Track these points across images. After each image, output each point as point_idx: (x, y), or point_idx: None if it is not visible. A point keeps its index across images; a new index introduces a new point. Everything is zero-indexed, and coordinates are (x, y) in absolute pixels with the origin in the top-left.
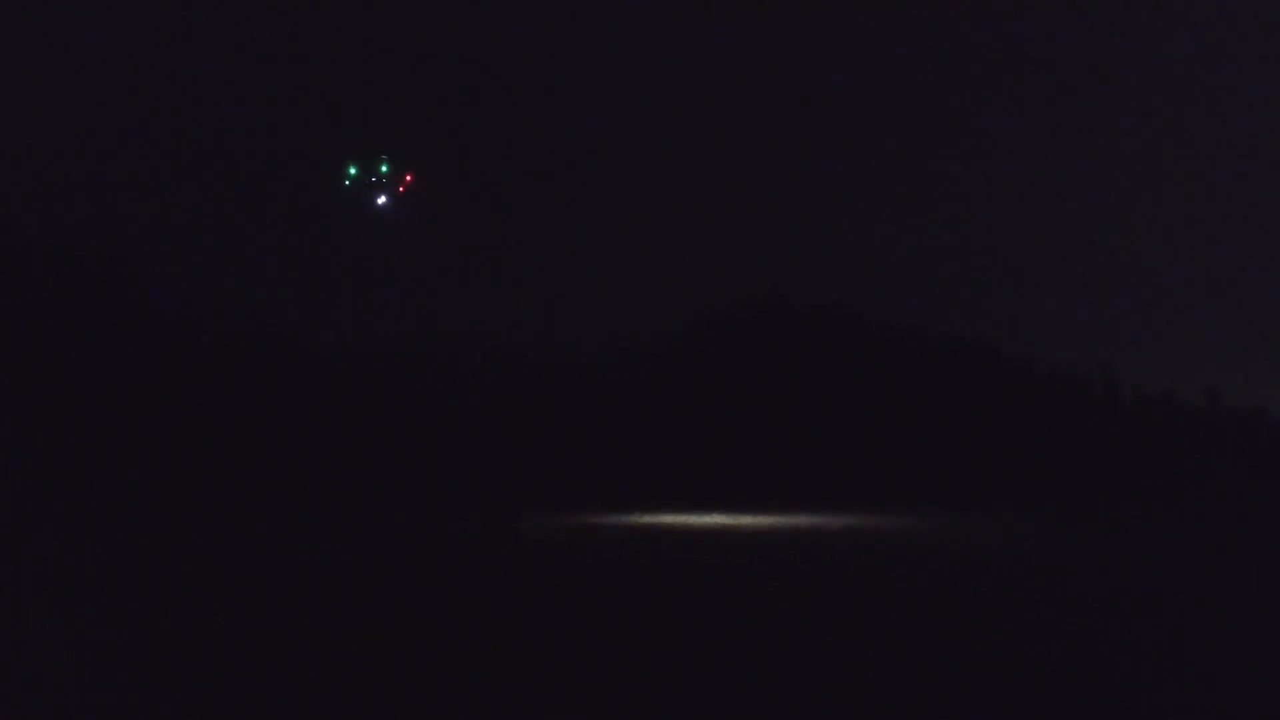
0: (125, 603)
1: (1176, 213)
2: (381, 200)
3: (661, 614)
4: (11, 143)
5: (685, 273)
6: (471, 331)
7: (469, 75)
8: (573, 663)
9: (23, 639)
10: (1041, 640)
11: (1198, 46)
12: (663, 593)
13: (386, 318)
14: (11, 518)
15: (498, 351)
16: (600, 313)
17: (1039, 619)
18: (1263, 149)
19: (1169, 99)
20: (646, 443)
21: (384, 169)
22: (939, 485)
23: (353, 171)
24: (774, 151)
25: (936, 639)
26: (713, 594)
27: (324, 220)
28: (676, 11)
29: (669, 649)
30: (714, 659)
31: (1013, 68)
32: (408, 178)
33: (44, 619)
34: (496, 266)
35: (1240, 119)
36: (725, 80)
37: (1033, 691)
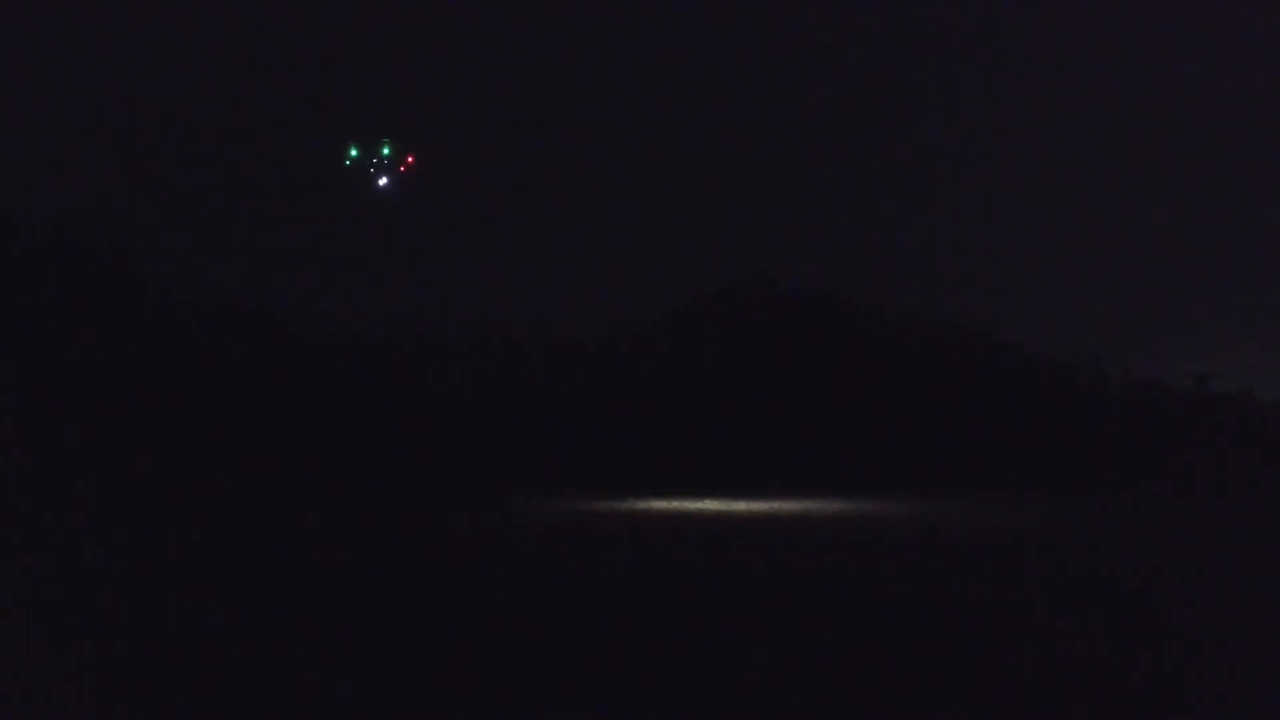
0: (113, 591)
1: (1165, 203)
2: (383, 182)
3: (656, 608)
4: (11, 122)
5: (679, 258)
6: (466, 314)
7: (471, 61)
8: (566, 658)
9: (12, 635)
10: (1034, 623)
11: (1190, 43)
12: (657, 586)
13: (383, 299)
14: (6, 505)
15: (492, 335)
16: (595, 298)
17: (1031, 602)
18: (1250, 144)
19: (1159, 94)
20: (639, 427)
21: (385, 151)
22: (931, 470)
23: (354, 153)
24: (768, 140)
25: (933, 629)
26: (708, 586)
27: (323, 201)
28: (677, 2)
29: (664, 643)
30: (710, 651)
31: (1005, 63)
32: (409, 159)
33: (31, 609)
34: (493, 251)
35: (1228, 115)
36: (721, 69)
37: (1027, 673)
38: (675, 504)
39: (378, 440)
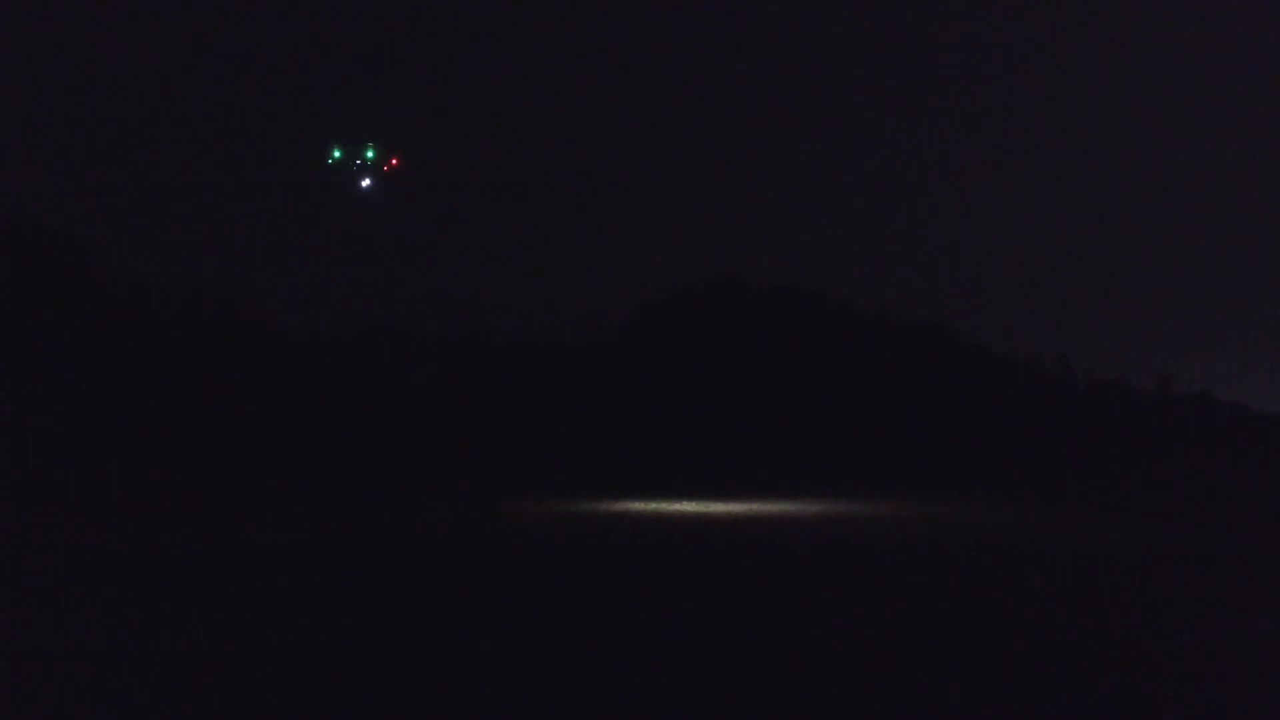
0: (89, 594)
1: (1129, 208)
2: (366, 183)
3: (636, 613)
4: None
5: (657, 258)
6: (447, 315)
7: (454, 66)
8: (545, 659)
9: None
10: (1011, 618)
11: (1166, 57)
12: (639, 593)
13: (365, 301)
14: None
15: (472, 336)
16: (575, 297)
17: (1008, 598)
18: (1215, 156)
19: (1130, 105)
20: (617, 429)
21: (369, 153)
22: (901, 470)
23: (337, 154)
24: (742, 142)
25: (911, 628)
26: (690, 593)
27: (306, 202)
28: (649, 3)
29: (643, 648)
30: (689, 655)
31: (978, 69)
32: (393, 161)
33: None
34: (472, 252)
35: (1195, 127)
36: (697, 74)
37: (1009, 670)
38: (653, 505)
39: (358, 440)
